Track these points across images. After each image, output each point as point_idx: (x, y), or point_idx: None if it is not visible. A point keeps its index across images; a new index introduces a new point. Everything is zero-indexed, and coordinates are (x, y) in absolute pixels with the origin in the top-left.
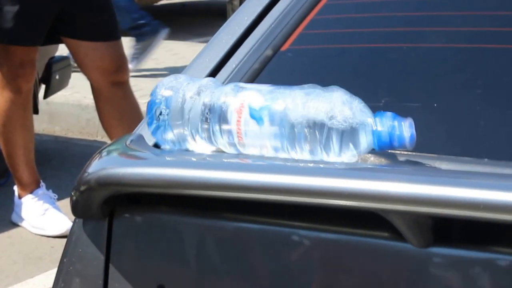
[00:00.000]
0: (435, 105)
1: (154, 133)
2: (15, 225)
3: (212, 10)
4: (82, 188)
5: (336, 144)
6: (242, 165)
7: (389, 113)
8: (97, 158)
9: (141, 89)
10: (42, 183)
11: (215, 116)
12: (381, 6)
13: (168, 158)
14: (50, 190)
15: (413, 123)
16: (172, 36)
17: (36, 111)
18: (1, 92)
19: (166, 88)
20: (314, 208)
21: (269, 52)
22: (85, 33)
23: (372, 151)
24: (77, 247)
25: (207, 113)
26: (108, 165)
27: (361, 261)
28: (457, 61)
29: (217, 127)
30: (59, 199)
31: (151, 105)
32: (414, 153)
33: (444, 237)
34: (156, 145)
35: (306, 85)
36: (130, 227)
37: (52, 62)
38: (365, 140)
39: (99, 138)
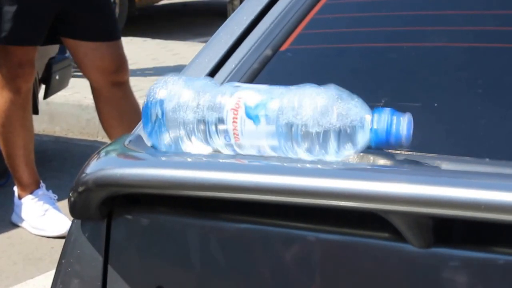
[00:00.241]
0: (436, 104)
1: (150, 135)
2: (15, 225)
3: (213, 10)
4: (80, 189)
5: (333, 142)
6: (241, 166)
7: (387, 109)
8: (95, 158)
9: (141, 89)
10: (42, 184)
11: (211, 116)
12: (381, 6)
13: (166, 159)
14: (50, 191)
15: (411, 118)
16: (172, 36)
17: (36, 111)
18: (1, 92)
19: (161, 89)
20: (314, 209)
21: (268, 51)
22: (85, 33)
23: (371, 150)
24: (75, 248)
25: (203, 114)
26: (106, 166)
27: (362, 262)
28: (457, 60)
29: (213, 127)
30: (59, 199)
31: (146, 106)
32: (414, 153)
33: (445, 238)
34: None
35: (302, 84)
36: (129, 228)
37: (52, 62)
38: (362, 137)
39: (99, 139)
